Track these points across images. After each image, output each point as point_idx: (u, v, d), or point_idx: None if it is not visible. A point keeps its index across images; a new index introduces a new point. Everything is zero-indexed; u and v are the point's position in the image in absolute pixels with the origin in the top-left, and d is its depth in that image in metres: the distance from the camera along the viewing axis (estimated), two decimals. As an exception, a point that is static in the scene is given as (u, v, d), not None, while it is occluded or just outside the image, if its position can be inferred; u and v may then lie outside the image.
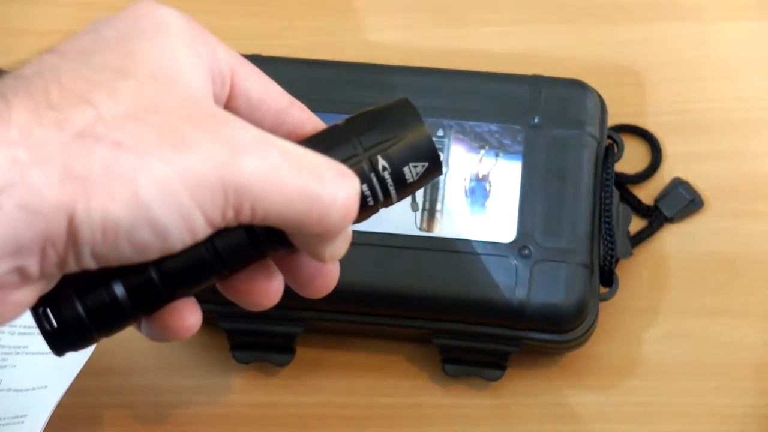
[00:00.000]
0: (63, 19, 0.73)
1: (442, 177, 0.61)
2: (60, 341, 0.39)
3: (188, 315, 0.40)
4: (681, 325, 0.64)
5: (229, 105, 0.41)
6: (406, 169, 0.41)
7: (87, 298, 0.38)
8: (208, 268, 0.40)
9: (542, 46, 0.72)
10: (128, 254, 0.35)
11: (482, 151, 0.62)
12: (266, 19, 0.73)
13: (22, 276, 0.35)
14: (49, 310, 0.38)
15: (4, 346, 0.62)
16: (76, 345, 0.39)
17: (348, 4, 0.74)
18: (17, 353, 0.61)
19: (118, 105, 0.35)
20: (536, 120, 0.62)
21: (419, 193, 0.61)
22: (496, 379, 0.62)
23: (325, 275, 0.43)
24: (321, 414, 0.63)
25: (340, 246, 0.40)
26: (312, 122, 0.43)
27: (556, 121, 0.63)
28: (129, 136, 0.34)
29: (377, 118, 0.41)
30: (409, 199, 0.61)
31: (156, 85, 0.36)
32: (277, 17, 0.74)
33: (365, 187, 0.40)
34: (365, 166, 0.40)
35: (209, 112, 0.37)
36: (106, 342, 0.62)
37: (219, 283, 0.42)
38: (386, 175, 0.41)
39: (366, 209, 0.41)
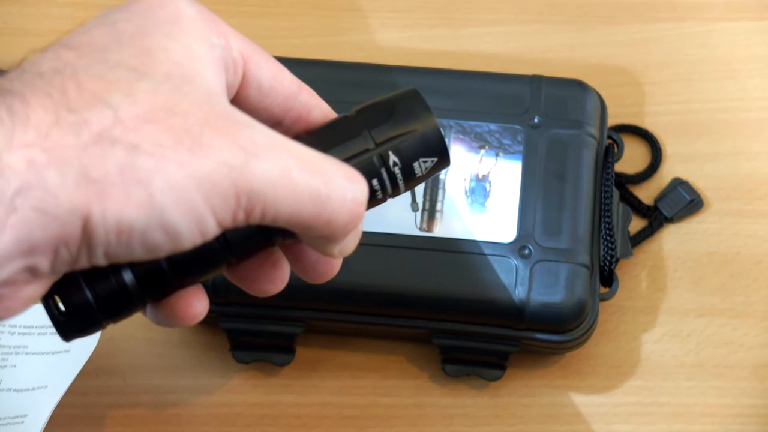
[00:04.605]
0: (63, 19, 0.73)
1: (442, 177, 0.62)
2: (68, 327, 0.39)
3: (195, 302, 0.41)
4: (681, 325, 0.64)
5: (241, 92, 0.41)
6: (416, 164, 0.42)
7: (96, 285, 0.38)
8: (217, 257, 0.40)
9: (542, 46, 0.72)
10: (140, 254, 0.36)
11: (482, 151, 0.62)
12: (266, 19, 0.74)
13: (33, 273, 0.35)
14: (58, 297, 0.38)
15: (4, 346, 0.62)
16: (85, 331, 0.40)
17: (348, 4, 0.74)
18: (17, 353, 0.61)
19: (136, 106, 0.35)
20: (536, 120, 0.63)
21: (419, 193, 0.61)
22: (496, 379, 0.62)
23: (328, 261, 0.44)
24: (321, 414, 0.63)
25: (349, 244, 0.41)
26: (320, 108, 0.43)
27: (556, 121, 0.63)
28: (146, 139, 0.35)
29: (387, 111, 0.42)
30: (409, 199, 0.61)
31: (172, 85, 0.36)
32: (277, 17, 0.74)
33: (375, 182, 0.41)
34: (376, 161, 0.41)
35: (224, 112, 0.37)
36: (106, 342, 0.62)
37: (226, 270, 0.42)
38: (396, 170, 0.41)
39: (374, 200, 0.42)
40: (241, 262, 0.42)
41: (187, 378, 0.64)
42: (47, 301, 0.38)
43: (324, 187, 0.37)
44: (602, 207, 0.62)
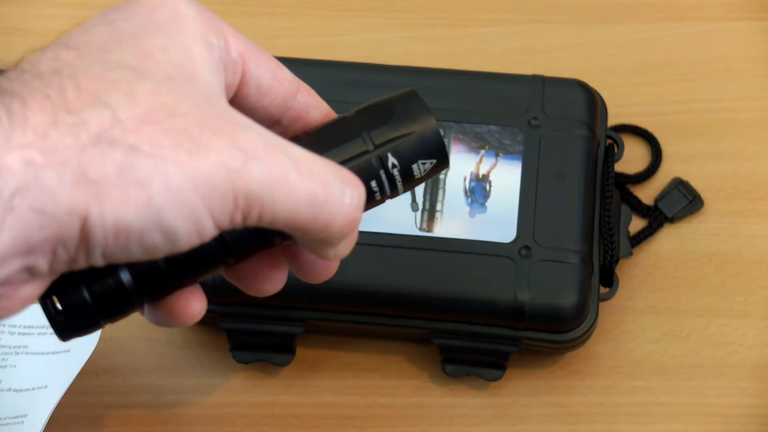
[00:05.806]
0: (63, 19, 0.73)
1: (442, 176, 0.62)
2: (65, 327, 0.39)
3: (193, 302, 0.41)
4: (681, 325, 0.64)
5: (240, 91, 0.41)
6: (414, 166, 0.42)
7: (93, 285, 0.38)
8: (214, 258, 0.40)
9: (542, 46, 0.72)
10: (137, 254, 0.36)
11: (482, 152, 0.62)
12: (266, 19, 0.74)
13: (31, 273, 0.36)
14: (55, 297, 0.38)
15: (4, 346, 0.62)
16: (82, 331, 0.40)
17: (348, 4, 0.74)
18: (17, 353, 0.61)
19: (136, 107, 0.35)
20: (536, 120, 0.63)
21: (419, 193, 0.61)
22: (496, 379, 0.62)
23: (326, 262, 0.44)
24: (321, 414, 0.63)
25: (345, 247, 0.41)
26: (319, 108, 0.43)
27: (556, 121, 0.63)
28: (145, 140, 0.35)
29: (387, 112, 0.42)
30: (409, 198, 0.61)
31: (172, 86, 0.36)
32: (277, 17, 0.74)
33: (374, 183, 0.41)
34: (375, 162, 0.41)
35: (223, 114, 0.37)
36: (106, 342, 0.62)
37: (224, 270, 0.42)
38: (395, 172, 0.41)
39: (373, 202, 0.42)
40: (239, 263, 0.42)
41: (187, 378, 0.64)
42: (45, 301, 0.38)
43: (321, 191, 0.38)
44: (602, 207, 0.62)
